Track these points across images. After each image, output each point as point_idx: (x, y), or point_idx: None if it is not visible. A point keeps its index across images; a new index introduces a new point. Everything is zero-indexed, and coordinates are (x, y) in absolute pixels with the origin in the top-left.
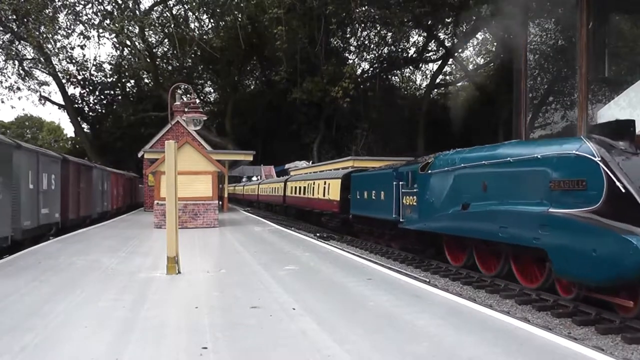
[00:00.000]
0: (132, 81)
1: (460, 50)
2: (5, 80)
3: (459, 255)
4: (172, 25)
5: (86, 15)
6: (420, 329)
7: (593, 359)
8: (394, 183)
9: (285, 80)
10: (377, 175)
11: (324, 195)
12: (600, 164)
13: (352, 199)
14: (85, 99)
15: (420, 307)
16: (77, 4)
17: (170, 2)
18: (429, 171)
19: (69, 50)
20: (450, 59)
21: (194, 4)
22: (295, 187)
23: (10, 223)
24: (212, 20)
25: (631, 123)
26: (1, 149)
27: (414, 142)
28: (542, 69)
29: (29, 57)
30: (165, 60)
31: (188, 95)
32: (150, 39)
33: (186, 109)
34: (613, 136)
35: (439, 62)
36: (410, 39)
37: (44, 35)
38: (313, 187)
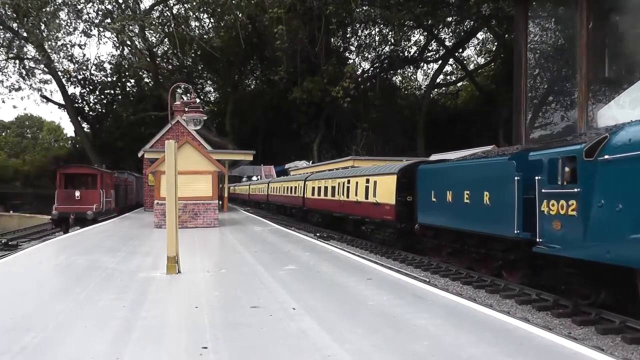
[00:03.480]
0: (132, 81)
1: (460, 50)
2: (7, 80)
3: None
4: (173, 25)
5: (87, 14)
6: (420, 328)
7: (593, 359)
8: (515, 178)
9: (285, 80)
10: (474, 167)
11: (366, 198)
12: None
13: (421, 202)
14: (85, 98)
15: (420, 307)
16: (77, 3)
17: (170, 1)
18: (605, 156)
19: (69, 49)
20: (451, 59)
21: (194, 3)
22: (320, 188)
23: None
24: (212, 20)
25: None
26: (122, 176)
27: (414, 142)
28: (542, 69)
29: (30, 57)
30: (165, 60)
31: (188, 95)
32: (150, 39)
33: (186, 109)
34: None
35: (440, 62)
36: (412, 39)
37: (45, 34)
38: (348, 187)
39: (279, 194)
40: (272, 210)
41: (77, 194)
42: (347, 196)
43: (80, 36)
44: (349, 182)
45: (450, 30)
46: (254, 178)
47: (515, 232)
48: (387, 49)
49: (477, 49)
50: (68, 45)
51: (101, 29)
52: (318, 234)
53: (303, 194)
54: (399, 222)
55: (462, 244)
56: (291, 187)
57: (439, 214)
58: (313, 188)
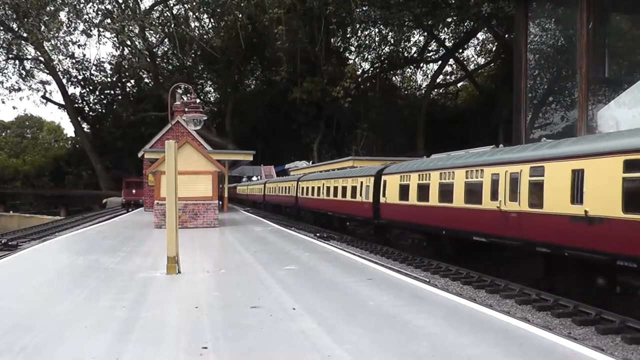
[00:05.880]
0: (132, 81)
1: (460, 50)
2: (7, 81)
3: None
4: (173, 25)
5: (87, 14)
6: (420, 329)
7: (593, 359)
8: None
9: (286, 80)
10: None
11: (629, 210)
12: None
13: None
14: (85, 98)
15: (420, 307)
16: (78, 3)
17: (170, 1)
18: None
19: (70, 48)
20: (451, 59)
21: (194, 3)
22: (422, 186)
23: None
24: (212, 20)
25: None
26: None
27: (414, 142)
28: (542, 69)
29: (29, 57)
30: (165, 60)
31: (188, 95)
32: (150, 39)
33: (186, 109)
34: None
35: (440, 62)
36: (412, 39)
37: (45, 34)
38: (537, 184)
39: (316, 197)
40: (304, 219)
41: (134, 191)
42: (529, 203)
43: (80, 36)
44: (541, 170)
45: (450, 30)
46: (254, 178)
47: None
48: (387, 49)
49: (477, 49)
50: (68, 45)
51: (101, 29)
52: (318, 234)
53: (373, 199)
54: None
55: None
56: (346, 188)
57: None
58: (401, 187)
